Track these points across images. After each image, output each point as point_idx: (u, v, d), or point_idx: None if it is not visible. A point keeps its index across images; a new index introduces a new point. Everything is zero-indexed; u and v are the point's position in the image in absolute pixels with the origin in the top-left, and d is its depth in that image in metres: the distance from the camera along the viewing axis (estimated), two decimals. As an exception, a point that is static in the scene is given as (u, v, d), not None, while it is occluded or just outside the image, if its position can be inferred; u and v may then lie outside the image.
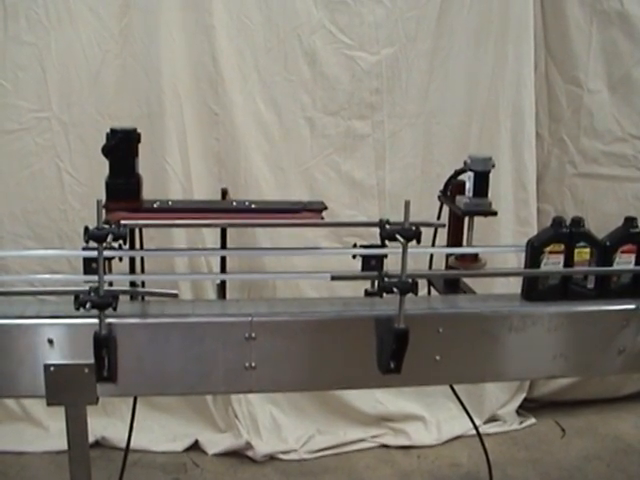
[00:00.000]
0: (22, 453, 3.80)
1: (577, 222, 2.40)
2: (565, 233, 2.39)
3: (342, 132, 3.88)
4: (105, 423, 3.88)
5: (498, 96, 3.95)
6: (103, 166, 2.39)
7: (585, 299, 2.44)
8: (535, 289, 2.43)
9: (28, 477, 3.66)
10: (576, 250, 2.40)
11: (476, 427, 3.08)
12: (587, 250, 2.40)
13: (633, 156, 4.05)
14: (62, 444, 2.32)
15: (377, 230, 2.32)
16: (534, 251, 2.38)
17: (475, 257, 2.59)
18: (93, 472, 2.31)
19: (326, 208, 2.50)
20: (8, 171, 3.67)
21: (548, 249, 2.37)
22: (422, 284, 2.37)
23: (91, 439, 3.68)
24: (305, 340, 2.29)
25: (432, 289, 2.66)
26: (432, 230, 2.65)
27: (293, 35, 3.73)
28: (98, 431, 3.85)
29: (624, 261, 2.44)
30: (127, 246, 2.31)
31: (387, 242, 2.31)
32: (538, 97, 4.04)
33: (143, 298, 2.39)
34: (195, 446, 3.96)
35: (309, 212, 2.49)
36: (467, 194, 2.51)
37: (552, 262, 2.38)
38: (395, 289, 2.20)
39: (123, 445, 2.84)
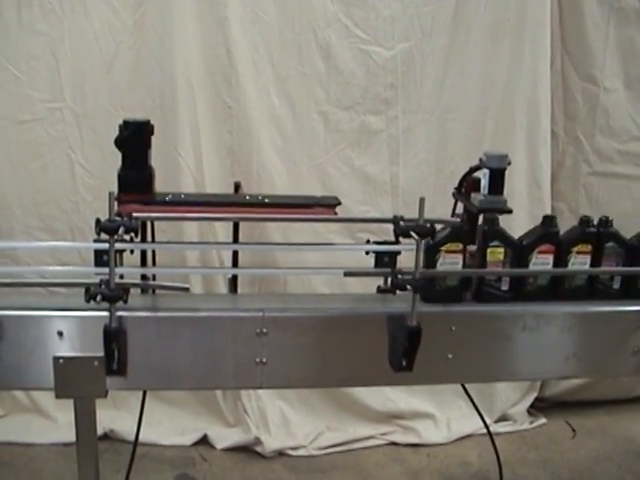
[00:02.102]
0: (30, 444, 3.81)
1: (491, 220, 2.36)
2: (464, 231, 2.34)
3: (356, 127, 3.86)
4: (114, 416, 3.87)
5: (514, 93, 3.93)
6: (115, 158, 2.37)
7: (497, 301, 2.39)
8: (432, 290, 2.34)
9: (36, 469, 3.66)
10: (489, 249, 2.34)
11: (487, 426, 3.06)
12: (501, 250, 2.36)
13: (649, 155, 4.03)
14: (70, 436, 2.31)
15: (390, 226, 2.30)
16: (430, 250, 2.30)
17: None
18: (101, 465, 2.31)
19: (340, 203, 2.48)
20: (20, 162, 3.67)
21: (444, 248, 2.30)
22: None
23: (100, 431, 3.67)
24: (316, 336, 2.28)
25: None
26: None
27: (308, 29, 3.71)
28: (107, 424, 3.85)
29: (541, 262, 2.38)
30: (138, 239, 2.30)
31: (400, 239, 2.29)
32: (554, 95, 4.02)
33: (154, 291, 2.38)
34: (204, 440, 3.96)
35: (322, 207, 2.46)
36: (482, 191, 2.48)
37: (449, 262, 2.31)
38: (408, 286, 2.18)
39: (131, 438, 2.83)
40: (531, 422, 4.30)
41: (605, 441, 4.17)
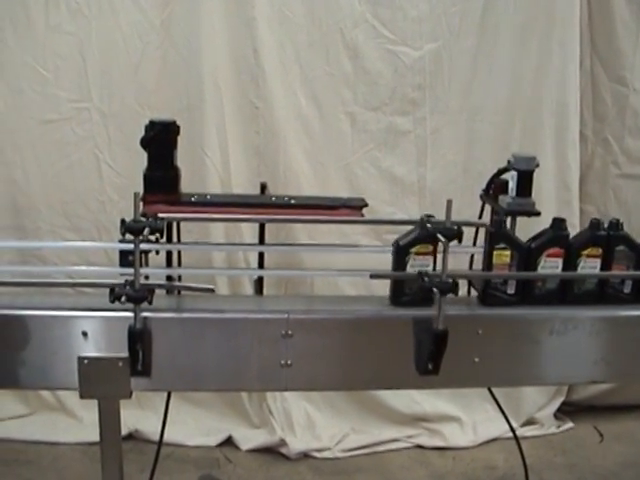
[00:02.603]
0: (55, 443, 3.83)
1: (498, 222, 2.33)
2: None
3: (383, 128, 3.85)
4: (139, 415, 3.88)
5: (542, 94, 3.90)
6: (142, 158, 2.37)
7: (503, 305, 2.35)
8: (402, 294, 2.31)
9: (60, 468, 3.67)
10: (495, 252, 2.30)
11: (513, 430, 3.03)
12: (507, 252, 2.31)
13: (678, 157, 3.99)
14: (95, 435, 2.30)
15: (418, 228, 2.28)
16: (399, 251, 2.27)
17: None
18: (125, 464, 2.30)
19: (366, 205, 2.47)
20: (47, 161, 3.69)
21: (414, 250, 2.25)
22: (462, 284, 2.33)
23: (124, 431, 3.68)
24: (342, 338, 2.26)
25: (472, 289, 2.61)
26: (473, 229, 2.61)
27: (335, 29, 3.70)
28: (131, 423, 3.85)
29: (550, 265, 2.33)
30: (164, 239, 2.29)
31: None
32: (583, 96, 3.97)
33: (179, 292, 2.37)
34: (229, 441, 3.95)
35: (349, 209, 2.45)
36: (510, 193, 2.46)
37: (419, 264, 2.26)
38: (435, 289, 2.16)
39: (156, 438, 2.83)
40: (558, 426, 4.26)
41: (633, 446, 4.12)
